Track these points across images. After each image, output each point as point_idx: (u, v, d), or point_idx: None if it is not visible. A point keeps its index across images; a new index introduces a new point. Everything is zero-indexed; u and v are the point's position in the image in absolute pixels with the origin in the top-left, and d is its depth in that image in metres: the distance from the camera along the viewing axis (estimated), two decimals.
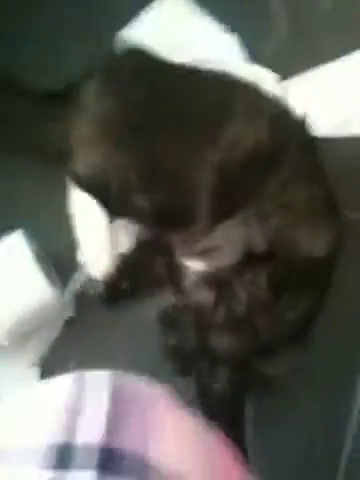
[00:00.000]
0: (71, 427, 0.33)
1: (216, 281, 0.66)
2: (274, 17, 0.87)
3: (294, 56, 0.86)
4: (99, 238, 0.72)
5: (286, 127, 0.70)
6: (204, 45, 0.85)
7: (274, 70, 0.83)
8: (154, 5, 0.86)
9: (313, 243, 0.65)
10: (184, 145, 0.66)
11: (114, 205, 0.70)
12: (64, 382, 0.38)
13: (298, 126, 0.70)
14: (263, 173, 0.66)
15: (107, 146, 0.68)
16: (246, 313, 0.63)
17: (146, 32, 0.84)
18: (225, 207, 0.66)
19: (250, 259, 0.64)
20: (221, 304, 0.65)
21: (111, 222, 0.72)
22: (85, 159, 0.69)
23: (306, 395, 0.71)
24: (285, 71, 0.84)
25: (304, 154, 0.69)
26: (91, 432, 0.33)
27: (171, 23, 0.86)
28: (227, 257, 0.66)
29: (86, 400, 0.35)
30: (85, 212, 0.72)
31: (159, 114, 0.68)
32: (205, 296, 0.66)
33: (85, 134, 0.69)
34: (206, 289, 0.67)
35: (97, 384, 0.38)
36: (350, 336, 0.75)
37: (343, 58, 0.85)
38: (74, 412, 0.34)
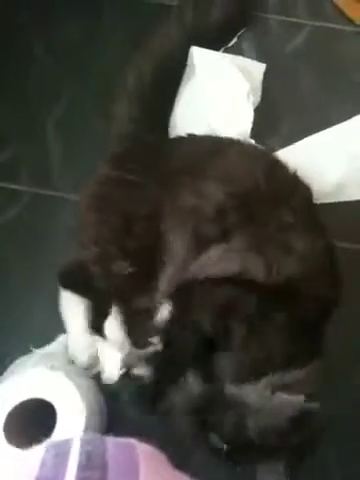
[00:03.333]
0: None
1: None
2: None
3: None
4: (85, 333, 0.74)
5: (285, 175, 0.72)
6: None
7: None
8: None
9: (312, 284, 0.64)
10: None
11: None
12: (35, 453, 0.38)
13: (298, 180, 0.72)
14: (263, 211, 0.66)
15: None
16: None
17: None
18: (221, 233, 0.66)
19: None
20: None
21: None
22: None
23: None
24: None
25: (308, 206, 0.71)
26: None
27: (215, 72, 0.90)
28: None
29: (59, 470, 0.35)
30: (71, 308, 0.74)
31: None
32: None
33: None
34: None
35: (69, 451, 0.37)
36: None
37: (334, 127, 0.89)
38: None
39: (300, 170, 0.74)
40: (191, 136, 0.80)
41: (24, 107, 0.92)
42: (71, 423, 0.69)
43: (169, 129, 0.87)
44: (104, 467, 0.36)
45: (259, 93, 0.92)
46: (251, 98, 0.91)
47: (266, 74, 0.93)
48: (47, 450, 0.38)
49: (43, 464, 0.36)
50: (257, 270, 0.63)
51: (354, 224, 0.85)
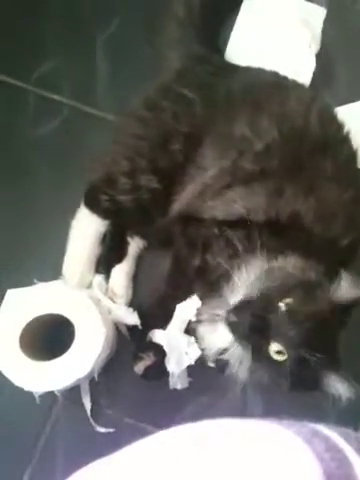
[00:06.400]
0: None
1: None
2: None
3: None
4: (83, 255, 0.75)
5: (337, 130, 0.71)
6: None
7: None
8: None
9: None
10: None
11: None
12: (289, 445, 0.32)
13: (347, 137, 0.71)
14: (306, 157, 0.65)
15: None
16: None
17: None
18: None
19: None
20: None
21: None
22: None
23: None
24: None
25: (350, 164, 0.69)
26: None
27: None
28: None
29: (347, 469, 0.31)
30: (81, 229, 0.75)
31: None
32: None
33: None
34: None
35: (338, 447, 0.32)
36: None
37: None
38: None
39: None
40: (256, 68, 0.78)
41: (77, 19, 0.90)
42: (88, 345, 0.69)
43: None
44: None
45: (318, 41, 0.89)
46: (313, 47, 0.88)
47: (326, 21, 0.89)
48: (309, 442, 0.32)
49: (321, 459, 0.31)
50: (262, 210, 0.63)
51: None
